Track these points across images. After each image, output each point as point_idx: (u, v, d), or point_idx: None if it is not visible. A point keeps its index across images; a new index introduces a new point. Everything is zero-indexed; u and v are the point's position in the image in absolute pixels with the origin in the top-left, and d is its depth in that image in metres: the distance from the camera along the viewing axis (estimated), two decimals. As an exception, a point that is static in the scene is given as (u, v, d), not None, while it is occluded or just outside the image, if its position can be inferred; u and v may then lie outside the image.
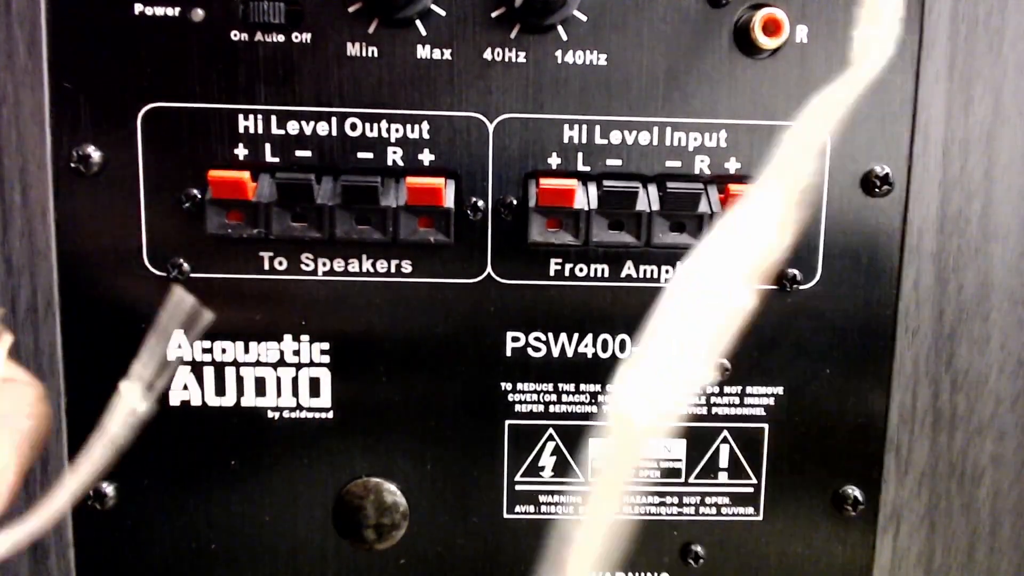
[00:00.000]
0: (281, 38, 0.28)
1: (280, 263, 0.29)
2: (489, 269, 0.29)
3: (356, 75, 0.28)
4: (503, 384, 0.30)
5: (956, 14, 0.30)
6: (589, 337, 0.30)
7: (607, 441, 0.11)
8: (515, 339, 0.30)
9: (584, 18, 0.28)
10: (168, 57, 0.28)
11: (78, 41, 0.27)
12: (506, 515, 0.31)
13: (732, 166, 0.29)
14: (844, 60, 0.29)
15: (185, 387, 0.30)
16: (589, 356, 0.30)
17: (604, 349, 0.30)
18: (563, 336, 0.30)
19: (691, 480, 0.31)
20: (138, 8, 0.27)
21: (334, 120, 0.28)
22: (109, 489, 0.30)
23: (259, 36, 0.28)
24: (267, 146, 0.28)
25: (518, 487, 0.31)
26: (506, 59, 0.28)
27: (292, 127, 0.28)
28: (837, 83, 0.15)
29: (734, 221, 0.12)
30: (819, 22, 0.28)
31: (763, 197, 0.12)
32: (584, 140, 0.29)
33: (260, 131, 0.28)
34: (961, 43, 0.30)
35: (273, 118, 0.28)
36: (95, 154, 0.28)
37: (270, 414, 0.30)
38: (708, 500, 0.32)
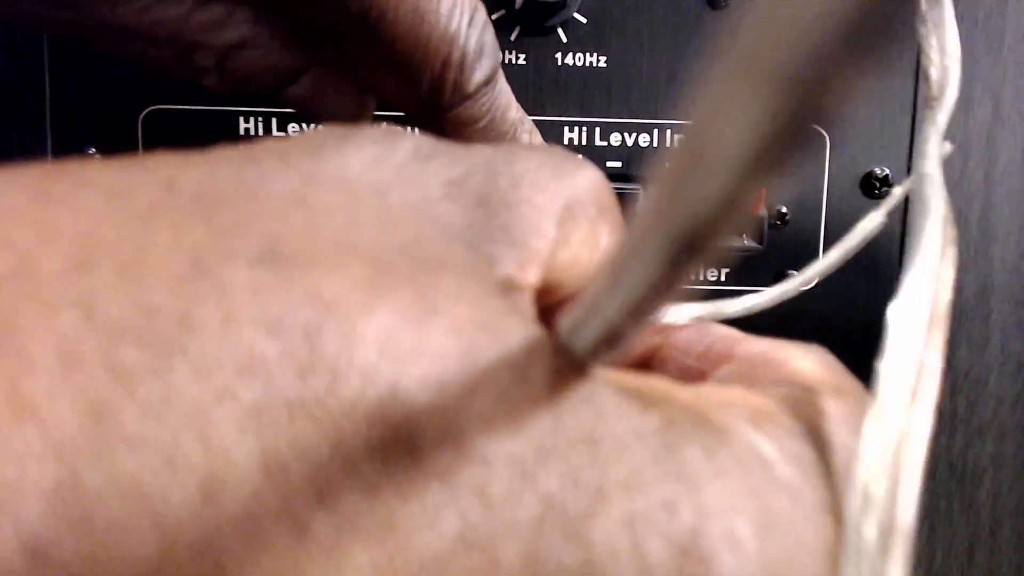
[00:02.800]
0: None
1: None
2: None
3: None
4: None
5: (956, 15, 0.30)
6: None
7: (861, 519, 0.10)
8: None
9: (584, 20, 0.28)
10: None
11: (79, 42, 0.27)
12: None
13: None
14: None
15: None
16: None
17: (604, 350, 0.30)
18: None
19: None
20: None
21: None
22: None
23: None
24: (268, 148, 0.28)
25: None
26: (506, 61, 0.28)
27: (293, 130, 0.28)
28: (929, 119, 0.15)
29: (917, 271, 0.12)
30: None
31: (930, 243, 0.12)
32: (584, 142, 0.29)
33: (260, 133, 0.28)
34: (961, 44, 0.30)
35: (274, 120, 0.28)
36: (96, 156, 0.28)
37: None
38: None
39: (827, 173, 0.29)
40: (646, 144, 0.29)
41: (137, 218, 0.09)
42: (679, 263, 0.08)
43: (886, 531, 0.10)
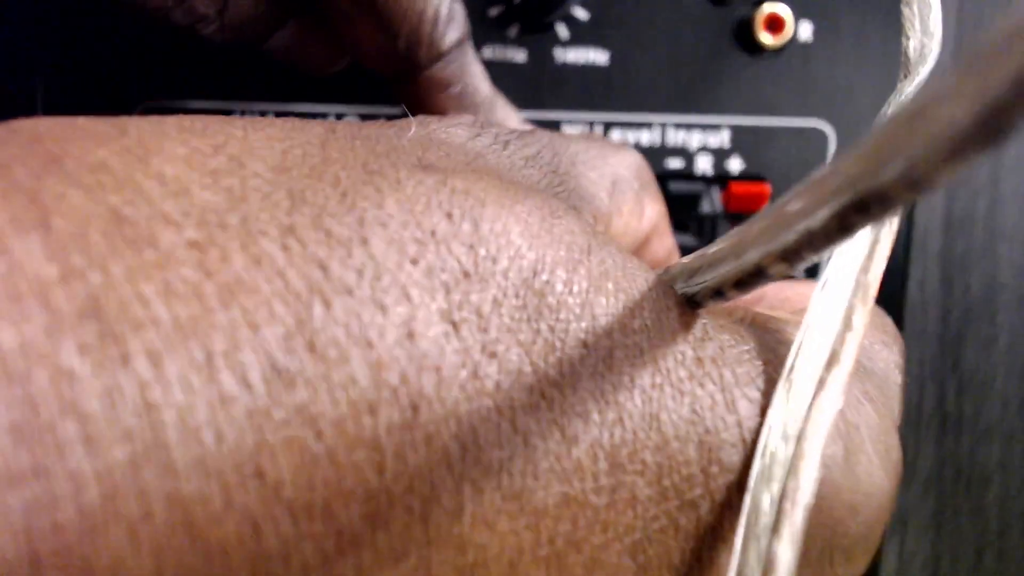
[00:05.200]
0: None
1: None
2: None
3: (354, 76, 0.28)
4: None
5: (961, 9, 0.29)
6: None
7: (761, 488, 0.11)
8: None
9: (584, 16, 0.28)
10: (166, 53, 0.27)
11: (73, 37, 0.27)
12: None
13: (735, 166, 0.29)
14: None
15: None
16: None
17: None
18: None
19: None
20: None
21: (332, 119, 0.28)
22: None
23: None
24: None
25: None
26: (506, 58, 0.28)
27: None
28: (904, 93, 0.15)
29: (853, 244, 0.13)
30: (823, 19, 0.28)
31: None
32: (585, 140, 0.28)
33: (256, 131, 0.28)
34: (967, 38, 0.29)
35: (272, 116, 0.28)
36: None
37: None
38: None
39: (831, 171, 0.29)
40: (647, 142, 0.28)
41: (314, 144, 0.11)
42: (849, 219, 0.09)
43: (780, 503, 0.10)
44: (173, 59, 0.27)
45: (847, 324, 0.12)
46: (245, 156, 0.10)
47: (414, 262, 0.10)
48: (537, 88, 0.28)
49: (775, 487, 0.10)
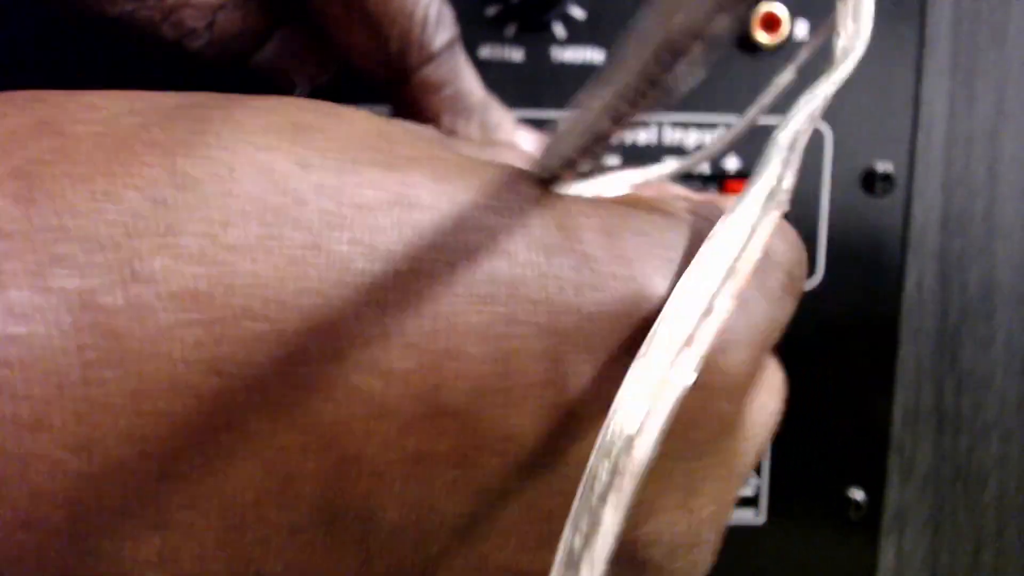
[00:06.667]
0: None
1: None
2: (486, 270, 0.29)
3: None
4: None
5: (959, 8, 0.29)
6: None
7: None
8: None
9: (582, 15, 0.28)
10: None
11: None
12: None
13: (732, 164, 0.29)
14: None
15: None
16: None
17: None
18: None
19: (692, 483, 0.31)
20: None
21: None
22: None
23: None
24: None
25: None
26: (503, 57, 0.28)
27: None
28: (823, 82, 0.15)
29: (731, 223, 0.13)
30: (819, 18, 0.28)
31: (752, 201, 0.13)
32: (582, 139, 0.28)
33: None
34: (964, 38, 0.29)
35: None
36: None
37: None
38: (709, 503, 0.31)
39: (828, 169, 0.29)
40: (644, 140, 0.28)
41: (216, 97, 0.14)
42: (662, 65, 0.10)
43: (614, 475, 0.11)
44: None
45: (708, 308, 0.12)
46: (158, 96, 0.14)
47: (363, 182, 0.13)
48: (534, 87, 0.28)
49: (613, 457, 0.11)
